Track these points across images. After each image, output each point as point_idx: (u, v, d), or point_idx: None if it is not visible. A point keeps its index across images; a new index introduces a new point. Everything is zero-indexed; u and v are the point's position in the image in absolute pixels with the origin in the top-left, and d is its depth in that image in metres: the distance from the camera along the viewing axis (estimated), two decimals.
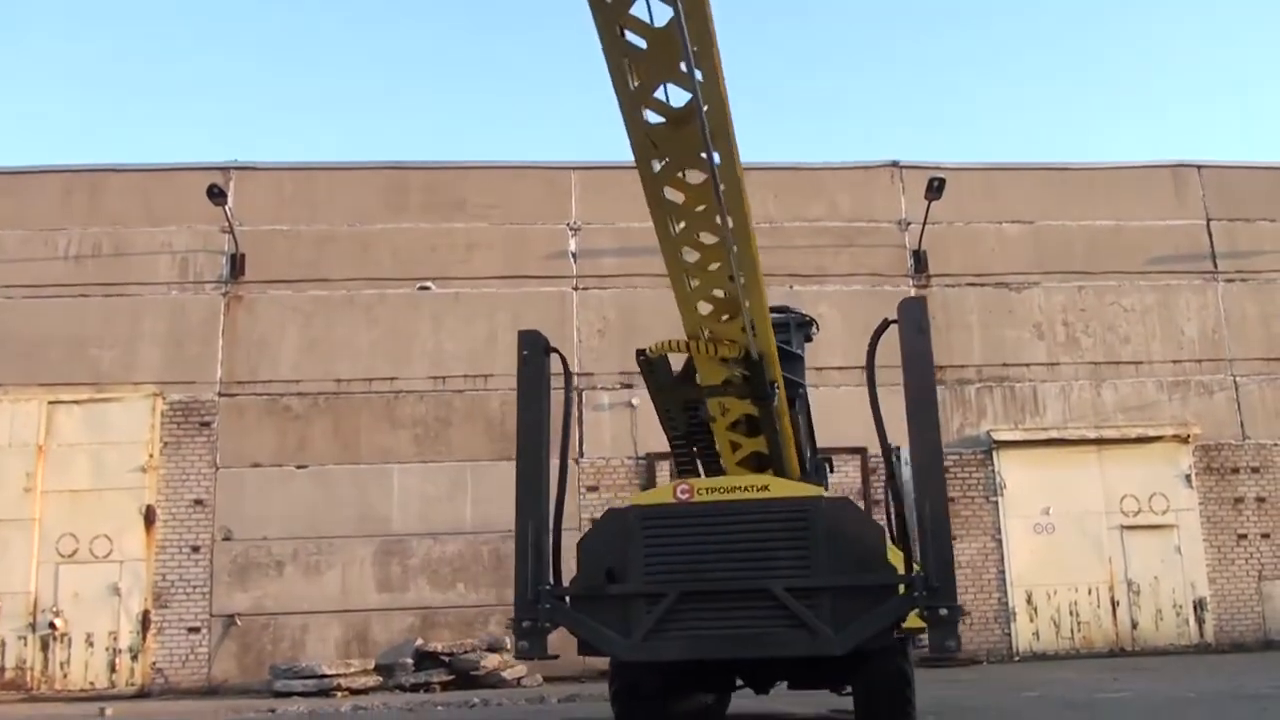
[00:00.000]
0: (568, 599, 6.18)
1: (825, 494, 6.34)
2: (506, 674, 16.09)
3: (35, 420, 17.65)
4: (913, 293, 19.34)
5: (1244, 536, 19.02)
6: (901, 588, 5.81)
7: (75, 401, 17.83)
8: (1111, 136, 54.89)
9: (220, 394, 18.13)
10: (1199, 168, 20.46)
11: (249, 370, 18.29)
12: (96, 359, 18.10)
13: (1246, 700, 8.47)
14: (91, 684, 16.90)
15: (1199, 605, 18.59)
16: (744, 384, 6.50)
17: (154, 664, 17.09)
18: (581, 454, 18.20)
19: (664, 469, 16.91)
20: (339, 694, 15.32)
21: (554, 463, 6.76)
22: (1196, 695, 9.12)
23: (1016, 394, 19.19)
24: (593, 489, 18.06)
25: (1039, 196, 20.12)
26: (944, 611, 5.60)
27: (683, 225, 5.81)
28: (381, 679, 16.20)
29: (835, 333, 18.65)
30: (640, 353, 7.03)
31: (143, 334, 18.30)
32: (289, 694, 15.30)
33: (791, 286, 18.73)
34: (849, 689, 6.96)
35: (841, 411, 15.17)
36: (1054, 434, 19.09)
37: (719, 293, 6.10)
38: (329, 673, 15.65)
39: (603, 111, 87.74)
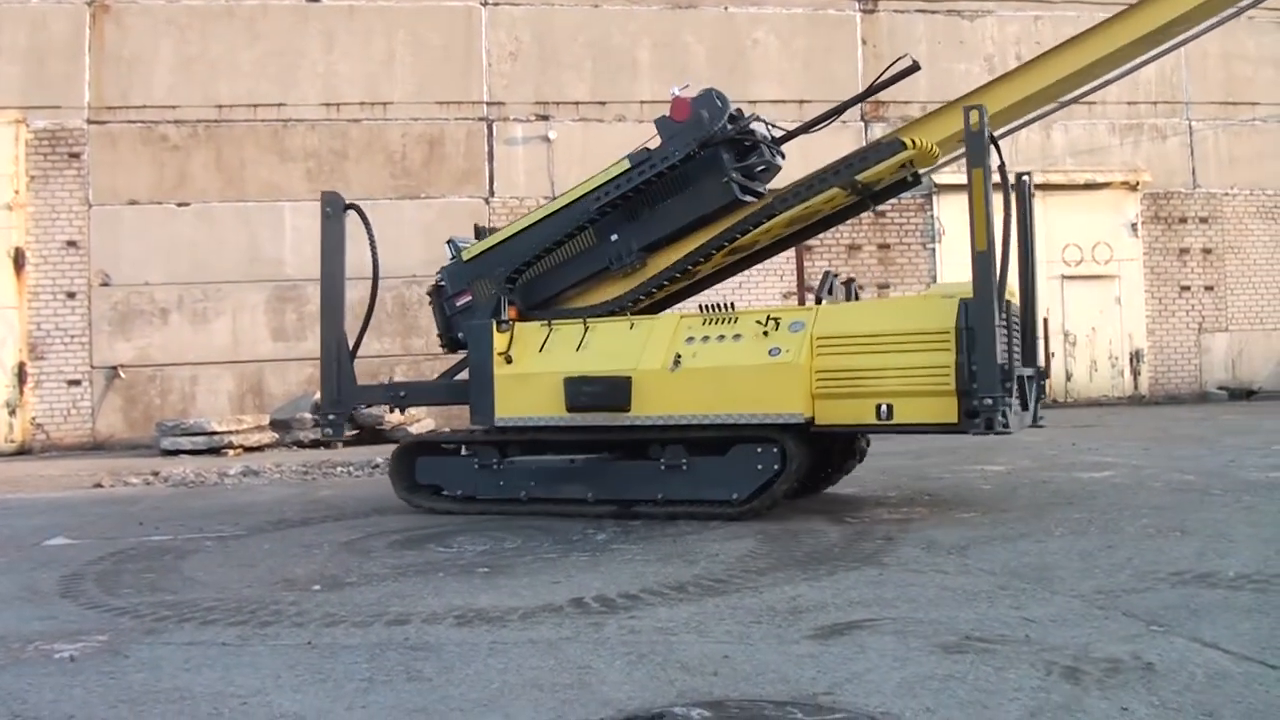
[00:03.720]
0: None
1: None
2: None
3: None
4: (858, 19, 16.60)
5: (1187, 288, 17.34)
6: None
7: None
8: None
9: (89, 121, 15.15)
10: None
11: (120, 94, 15.24)
12: None
13: (1264, 490, 6.70)
14: None
15: (1135, 357, 17.09)
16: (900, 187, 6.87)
17: (33, 419, 14.86)
18: (492, 193, 15.68)
19: None
20: (231, 452, 13.30)
21: None
22: (1197, 478, 7.35)
23: None
24: None
25: None
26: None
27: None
28: (278, 435, 14.17)
29: (772, 61, 16.04)
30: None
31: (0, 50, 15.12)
32: (177, 452, 13.27)
33: (727, 8, 15.89)
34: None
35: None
36: (997, 178, 16.98)
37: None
38: (219, 429, 13.54)
39: None
